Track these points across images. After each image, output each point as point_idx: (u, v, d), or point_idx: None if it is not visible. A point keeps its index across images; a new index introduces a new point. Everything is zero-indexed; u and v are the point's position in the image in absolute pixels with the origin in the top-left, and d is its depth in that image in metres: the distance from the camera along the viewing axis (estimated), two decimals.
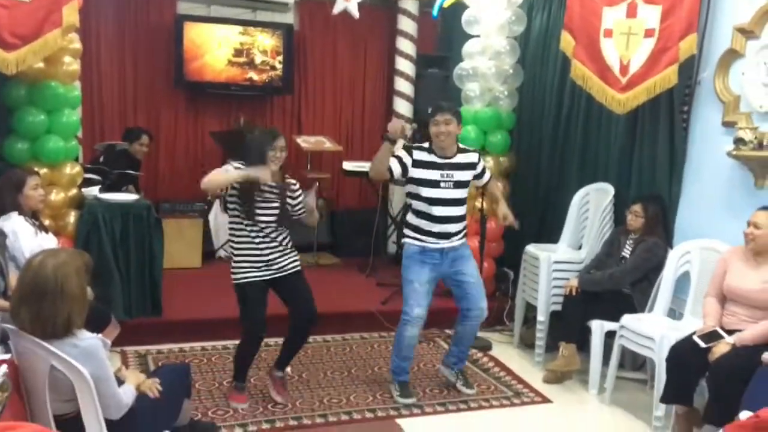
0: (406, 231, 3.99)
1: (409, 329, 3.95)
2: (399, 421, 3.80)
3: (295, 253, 3.84)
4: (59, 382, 2.45)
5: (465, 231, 4.04)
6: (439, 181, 3.85)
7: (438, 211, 3.86)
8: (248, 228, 3.65)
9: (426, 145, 3.93)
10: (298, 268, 3.81)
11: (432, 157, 3.87)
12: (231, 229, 3.72)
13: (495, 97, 5.44)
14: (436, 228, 3.89)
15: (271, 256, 3.69)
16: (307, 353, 4.62)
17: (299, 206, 3.79)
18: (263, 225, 3.65)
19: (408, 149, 3.92)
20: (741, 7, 3.92)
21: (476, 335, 4.27)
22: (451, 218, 3.90)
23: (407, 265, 3.96)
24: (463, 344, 4.19)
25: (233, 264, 3.71)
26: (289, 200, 3.73)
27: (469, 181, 3.99)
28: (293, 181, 3.82)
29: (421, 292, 3.92)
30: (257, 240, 3.66)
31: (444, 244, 3.92)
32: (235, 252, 3.71)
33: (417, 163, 3.86)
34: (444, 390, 4.20)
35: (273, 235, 3.69)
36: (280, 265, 3.73)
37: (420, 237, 3.92)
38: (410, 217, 3.98)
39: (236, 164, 3.59)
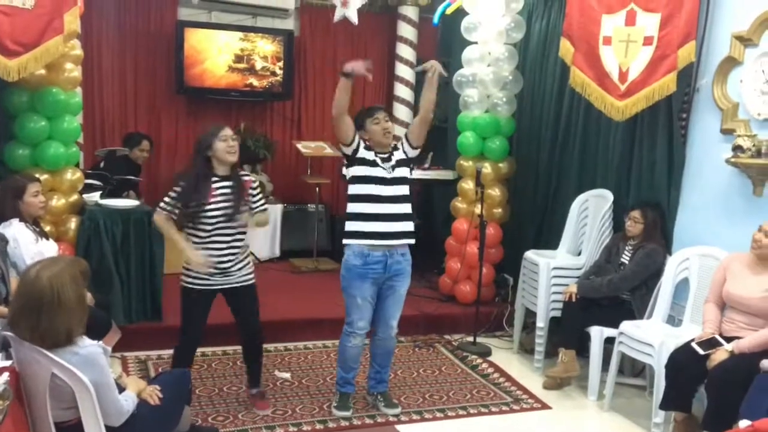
0: (349, 234, 3.82)
1: (351, 340, 3.83)
2: (398, 427, 3.81)
3: (250, 264, 3.75)
4: (60, 390, 2.46)
5: (413, 239, 3.83)
6: (384, 178, 3.72)
7: (383, 209, 3.72)
8: (200, 228, 3.56)
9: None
10: (250, 281, 3.72)
11: (371, 155, 3.74)
12: (186, 230, 3.63)
13: (494, 104, 5.46)
14: (384, 227, 3.71)
15: (223, 262, 3.59)
16: (306, 359, 4.64)
17: (258, 201, 3.68)
18: (214, 222, 3.53)
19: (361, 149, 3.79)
20: (739, 15, 3.94)
21: (391, 356, 4.04)
22: (397, 216, 3.74)
23: (347, 277, 3.78)
24: (377, 363, 4.01)
25: (183, 266, 3.62)
26: (247, 196, 3.63)
27: (407, 177, 3.83)
28: (249, 176, 3.74)
29: (365, 305, 3.78)
30: (209, 242, 3.56)
31: (394, 242, 3.74)
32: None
33: (362, 161, 3.72)
34: (444, 396, 4.20)
35: (226, 238, 3.59)
36: (231, 273, 3.64)
37: (365, 241, 3.74)
38: (350, 224, 3.80)
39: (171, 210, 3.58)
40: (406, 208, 3.79)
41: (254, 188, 3.69)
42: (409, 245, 3.84)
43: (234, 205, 3.56)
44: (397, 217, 3.74)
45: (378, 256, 3.70)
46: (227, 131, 3.59)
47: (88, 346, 2.49)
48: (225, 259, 3.61)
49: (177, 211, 3.57)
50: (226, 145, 3.56)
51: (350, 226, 3.75)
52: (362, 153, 3.73)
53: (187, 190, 3.55)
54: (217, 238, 3.58)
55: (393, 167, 3.74)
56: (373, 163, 3.72)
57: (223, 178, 3.60)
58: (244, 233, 3.69)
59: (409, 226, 3.79)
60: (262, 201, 3.73)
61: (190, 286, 3.61)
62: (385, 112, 3.79)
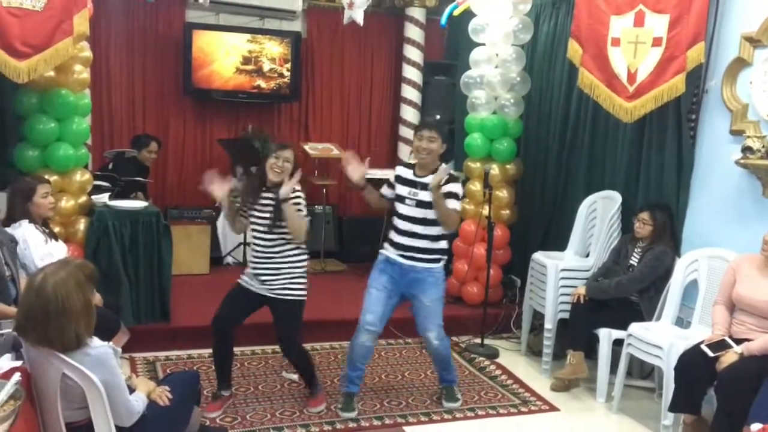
0: (383, 242, 4.01)
1: (359, 336, 3.86)
2: (406, 428, 3.80)
3: (296, 280, 3.74)
4: (71, 390, 2.46)
5: (434, 256, 3.84)
6: (405, 197, 3.82)
7: (402, 225, 3.83)
8: (253, 234, 3.77)
9: (412, 160, 3.92)
10: (288, 297, 3.71)
11: (409, 173, 3.85)
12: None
13: (501, 105, 5.45)
14: (399, 239, 3.84)
15: (254, 269, 3.74)
16: (314, 360, 4.63)
17: (300, 211, 3.67)
18: (254, 227, 3.74)
19: (397, 165, 3.99)
20: (748, 15, 3.93)
21: (446, 361, 4.07)
22: (413, 234, 3.79)
23: (372, 271, 3.99)
24: (434, 365, 4.17)
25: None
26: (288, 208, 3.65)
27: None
28: (296, 191, 3.71)
29: (376, 297, 3.85)
30: (253, 244, 3.78)
31: (404, 261, 3.83)
32: None
33: (398, 179, 3.88)
34: None
35: (263, 247, 3.71)
36: (267, 283, 3.72)
37: (389, 249, 3.90)
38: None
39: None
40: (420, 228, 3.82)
41: (295, 197, 3.64)
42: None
43: (272, 218, 3.65)
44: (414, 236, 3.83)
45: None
46: (286, 153, 3.65)
47: (98, 347, 2.50)
48: (260, 265, 3.73)
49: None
50: (274, 162, 3.64)
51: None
52: (396, 189, 3.90)
53: (244, 188, 3.79)
54: (256, 242, 3.73)
55: (417, 190, 3.81)
56: (405, 181, 3.88)
57: (269, 190, 3.69)
58: (294, 248, 3.73)
59: (423, 246, 3.84)
60: (302, 210, 3.69)
61: (239, 280, 3.85)
62: (433, 130, 3.78)
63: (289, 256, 3.72)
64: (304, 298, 3.78)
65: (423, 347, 4.97)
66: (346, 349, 4.05)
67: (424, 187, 3.75)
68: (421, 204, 3.77)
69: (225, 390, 3.88)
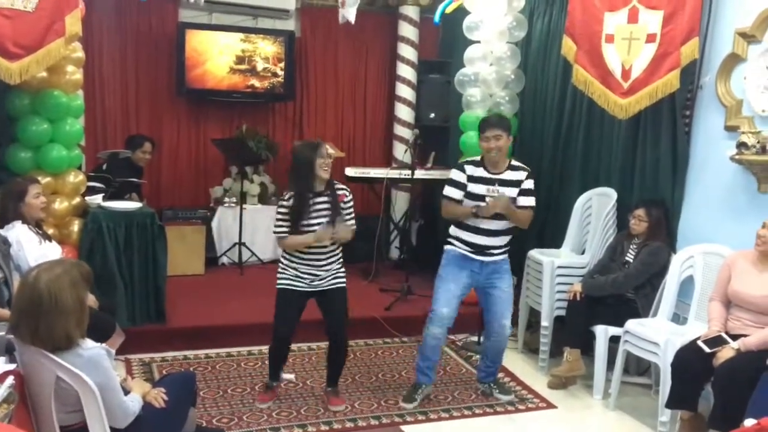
0: (450, 239, 4.03)
1: (432, 328, 3.97)
2: (403, 427, 3.79)
3: (341, 268, 3.87)
4: (65, 393, 2.45)
5: (507, 247, 4.04)
6: (485, 196, 3.85)
7: (481, 224, 3.89)
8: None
9: (478, 158, 3.97)
10: (339, 285, 3.84)
11: (481, 172, 3.90)
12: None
13: (496, 103, 5.45)
14: (479, 240, 3.92)
15: (313, 270, 3.77)
16: (311, 360, 4.63)
17: (349, 214, 3.81)
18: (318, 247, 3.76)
19: (460, 167, 3.95)
20: (742, 11, 3.92)
21: (503, 350, 4.21)
22: (494, 233, 3.92)
23: (446, 265, 4.01)
24: (490, 359, 4.21)
25: (280, 268, 3.85)
26: (341, 211, 3.77)
27: (513, 198, 3.90)
28: (343, 188, 3.85)
29: (453, 292, 3.96)
30: (298, 253, 3.76)
31: (484, 258, 3.95)
32: (284, 259, 3.84)
33: (471, 179, 3.89)
34: (449, 396, 4.20)
35: (326, 251, 3.78)
36: (320, 279, 3.79)
37: (463, 246, 3.96)
38: (453, 229, 4.01)
39: (285, 204, 3.73)
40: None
41: (347, 202, 3.80)
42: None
43: (331, 220, 3.70)
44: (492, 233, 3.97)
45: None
46: (324, 148, 3.73)
47: (91, 348, 2.48)
48: (321, 264, 3.78)
49: (289, 229, 3.72)
50: (322, 162, 3.67)
51: None
52: (470, 188, 3.90)
53: (292, 211, 3.70)
54: (316, 248, 3.74)
55: (497, 186, 3.92)
56: (480, 180, 3.94)
57: (320, 194, 3.72)
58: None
59: (501, 242, 4.01)
60: (352, 215, 3.83)
61: (283, 287, 3.80)
62: (496, 128, 3.85)
63: (337, 248, 3.85)
64: None
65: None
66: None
67: (502, 183, 3.88)
68: (498, 200, 3.86)
69: (275, 381, 4.02)
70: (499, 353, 4.19)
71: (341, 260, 3.89)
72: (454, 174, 3.95)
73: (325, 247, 3.76)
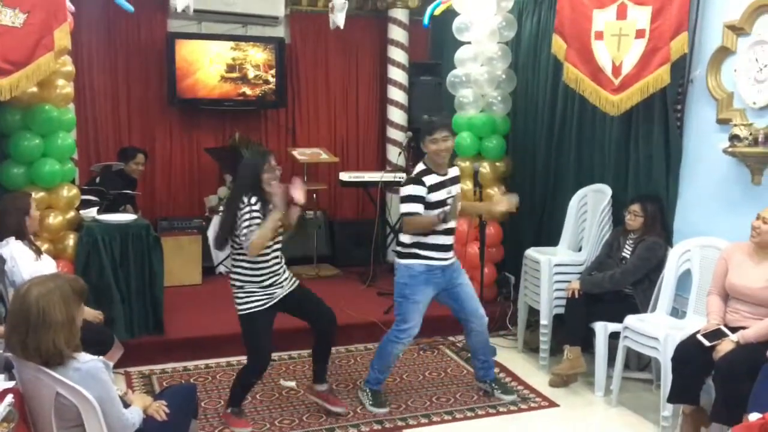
0: (410, 251, 3.90)
1: (401, 348, 4.00)
2: (406, 431, 3.79)
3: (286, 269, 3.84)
4: (65, 409, 2.43)
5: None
6: (446, 200, 3.85)
7: (449, 225, 3.90)
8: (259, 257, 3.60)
9: (422, 167, 3.89)
10: (297, 282, 3.84)
11: (435, 178, 3.86)
12: (238, 259, 3.63)
13: (489, 103, 5.45)
14: (448, 240, 3.93)
15: (276, 278, 3.69)
16: (311, 367, 4.60)
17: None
18: (275, 248, 3.68)
19: (417, 181, 3.83)
20: (731, 4, 3.93)
21: (488, 341, 4.23)
22: (452, 230, 3.96)
23: (412, 284, 3.90)
24: (481, 354, 4.20)
25: (240, 294, 3.63)
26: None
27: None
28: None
29: (422, 310, 3.96)
30: (266, 265, 3.64)
31: (445, 262, 3.93)
32: (245, 277, 3.62)
33: (431, 188, 3.84)
34: (451, 398, 4.19)
35: (279, 252, 3.74)
36: (283, 284, 3.73)
37: (429, 255, 3.89)
38: (414, 239, 3.89)
39: (256, 208, 3.53)
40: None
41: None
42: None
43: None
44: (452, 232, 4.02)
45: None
46: (272, 160, 3.64)
47: (88, 361, 2.47)
48: (282, 267, 3.74)
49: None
50: (269, 177, 3.59)
51: None
52: (430, 197, 3.84)
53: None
54: (275, 251, 3.69)
55: (450, 186, 3.96)
56: (438, 186, 3.91)
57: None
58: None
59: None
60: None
61: (252, 310, 3.62)
62: (444, 129, 3.83)
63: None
64: None
65: (421, 348, 4.96)
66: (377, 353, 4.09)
67: (453, 181, 3.93)
68: (457, 198, 3.91)
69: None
70: (488, 345, 4.20)
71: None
72: (414, 189, 3.80)
73: (278, 250, 3.70)
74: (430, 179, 3.84)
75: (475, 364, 4.25)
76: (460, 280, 4.05)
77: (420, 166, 3.92)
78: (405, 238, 3.93)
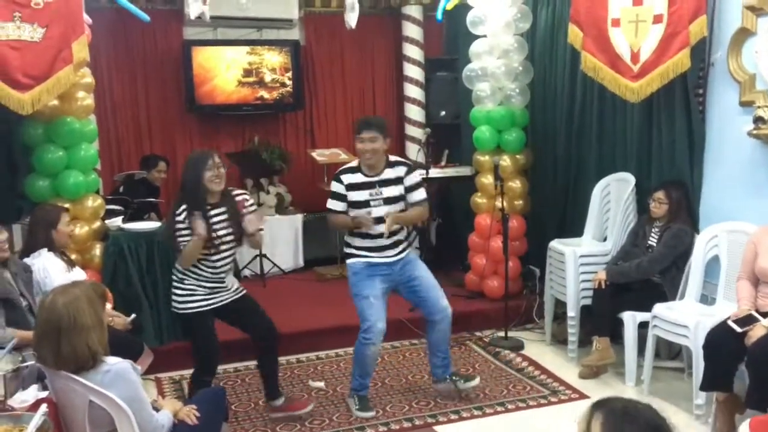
0: (349, 250, 3.90)
1: (372, 348, 3.85)
2: (437, 428, 3.79)
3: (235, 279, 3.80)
4: (97, 414, 2.47)
5: (410, 241, 3.97)
6: (368, 201, 3.77)
7: (377, 227, 3.77)
8: (204, 258, 3.58)
9: (353, 164, 3.87)
10: (244, 291, 3.79)
11: (359, 177, 3.79)
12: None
13: (507, 96, 5.42)
14: (374, 243, 3.83)
15: (218, 285, 3.66)
16: (339, 367, 4.63)
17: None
18: (223, 251, 3.60)
19: (337, 177, 3.84)
20: None
21: (449, 336, 4.10)
22: (392, 232, 3.81)
23: (356, 282, 3.86)
24: (441, 351, 4.06)
25: (177, 293, 3.62)
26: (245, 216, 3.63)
27: (401, 196, 3.83)
28: (242, 193, 3.73)
29: (377, 304, 3.83)
30: (209, 268, 3.61)
31: (388, 258, 3.87)
32: (182, 279, 3.61)
33: (350, 187, 3.78)
34: (480, 394, 4.17)
35: (228, 260, 3.67)
36: (224, 291, 3.69)
37: (364, 254, 3.85)
38: (349, 237, 3.90)
39: (179, 219, 3.50)
40: None
41: (249, 206, 3.66)
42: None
43: (236, 230, 3.60)
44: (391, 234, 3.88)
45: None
46: (214, 158, 3.55)
47: (117, 362, 2.52)
48: (225, 275, 3.69)
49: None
50: (210, 175, 3.50)
51: None
52: (350, 196, 3.81)
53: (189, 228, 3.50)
54: (226, 260, 3.65)
55: (379, 188, 3.84)
56: (360, 186, 3.86)
57: (215, 206, 3.58)
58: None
59: (401, 238, 3.97)
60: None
61: (190, 311, 3.61)
62: (372, 129, 3.73)
63: (231, 258, 3.73)
64: None
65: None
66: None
67: (383, 183, 3.80)
68: (388, 201, 3.80)
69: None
70: (447, 340, 4.06)
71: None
72: (334, 186, 3.81)
73: (229, 253, 3.65)
74: (352, 177, 3.79)
75: (434, 362, 4.08)
76: (417, 273, 3.91)
77: (351, 164, 3.90)
78: (345, 238, 3.93)
